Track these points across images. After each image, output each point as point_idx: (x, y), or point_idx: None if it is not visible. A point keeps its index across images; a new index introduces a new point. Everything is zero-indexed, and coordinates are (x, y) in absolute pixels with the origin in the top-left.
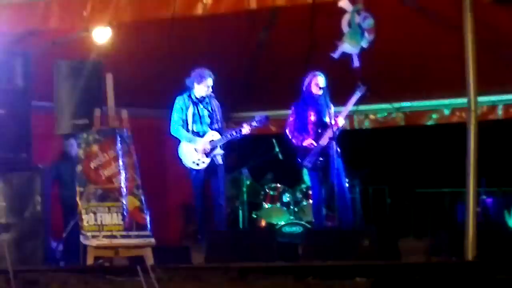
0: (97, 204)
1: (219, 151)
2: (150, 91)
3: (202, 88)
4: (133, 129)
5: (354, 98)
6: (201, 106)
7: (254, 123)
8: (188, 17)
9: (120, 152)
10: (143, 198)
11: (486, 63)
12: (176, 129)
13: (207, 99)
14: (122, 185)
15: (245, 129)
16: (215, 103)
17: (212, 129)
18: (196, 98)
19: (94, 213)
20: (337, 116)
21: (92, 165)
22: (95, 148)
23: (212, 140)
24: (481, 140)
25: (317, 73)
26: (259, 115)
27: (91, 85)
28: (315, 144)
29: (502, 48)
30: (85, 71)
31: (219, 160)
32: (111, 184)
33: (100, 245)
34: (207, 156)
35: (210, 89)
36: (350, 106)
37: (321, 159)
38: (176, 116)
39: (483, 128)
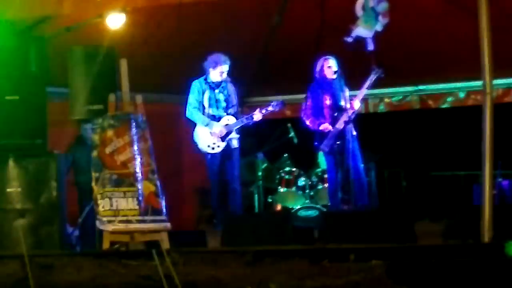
0: (113, 189)
1: (234, 135)
2: (164, 76)
3: (217, 73)
4: (148, 114)
5: (369, 81)
6: (217, 90)
7: (270, 108)
8: (201, 1)
9: (135, 137)
10: (158, 183)
11: (501, 46)
12: (192, 112)
13: (223, 84)
14: (137, 170)
15: (257, 116)
16: (231, 87)
17: (227, 114)
18: (213, 83)
19: (110, 198)
20: (352, 100)
21: (107, 150)
22: (110, 133)
23: (228, 124)
24: (496, 122)
25: (328, 56)
26: (275, 100)
27: (105, 71)
28: (332, 128)
29: None
30: (99, 56)
31: (235, 144)
32: (126, 169)
33: (115, 230)
34: (222, 140)
35: (225, 75)
36: (365, 89)
37: (337, 142)
38: (192, 99)
39: (499, 111)
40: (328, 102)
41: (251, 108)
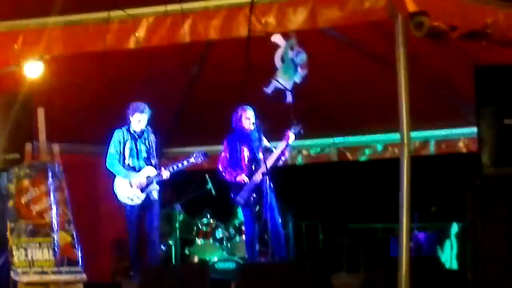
0: (28, 239)
1: (154, 187)
2: (83, 126)
3: (135, 121)
4: (65, 164)
5: (288, 137)
6: (139, 140)
7: (192, 159)
8: (121, 50)
9: (51, 187)
10: (74, 233)
11: (418, 99)
12: (112, 163)
13: (145, 134)
14: (53, 220)
15: (165, 174)
16: (152, 138)
17: (148, 164)
18: (135, 132)
19: (25, 249)
20: (270, 152)
21: (23, 200)
22: (26, 183)
23: (149, 176)
24: (413, 175)
25: (246, 107)
26: (197, 151)
27: (22, 119)
28: (248, 180)
29: (434, 85)
30: (16, 105)
31: (155, 195)
32: (42, 220)
33: (30, 281)
34: (142, 192)
35: (143, 123)
36: (283, 144)
37: (254, 195)
38: (113, 149)
39: (416, 164)
40: (245, 153)
41: (170, 160)
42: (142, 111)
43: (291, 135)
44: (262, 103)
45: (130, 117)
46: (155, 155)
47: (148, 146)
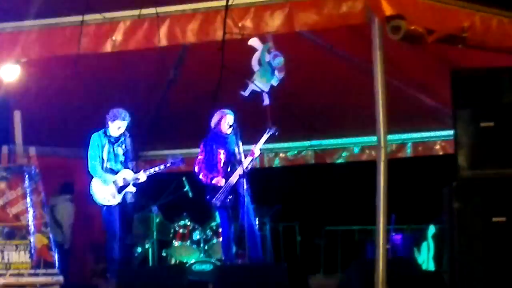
0: (4, 241)
1: (131, 189)
2: (59, 129)
3: (115, 128)
4: (41, 168)
5: (263, 139)
6: (116, 144)
7: (168, 164)
8: (98, 53)
9: (28, 190)
10: (51, 236)
11: (395, 102)
12: (94, 167)
13: (122, 138)
14: (30, 223)
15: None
16: (129, 141)
17: (126, 167)
18: (112, 136)
19: (1, 251)
20: (246, 155)
21: (0, 202)
22: (2, 185)
23: (125, 178)
24: (390, 177)
25: (227, 111)
26: (174, 156)
27: None
28: (224, 183)
29: (410, 88)
30: None
31: (130, 198)
32: (19, 222)
33: (7, 283)
34: (118, 193)
35: (122, 130)
36: (260, 146)
37: (230, 197)
38: (92, 153)
39: (392, 166)
40: (221, 156)
41: (146, 163)
42: (123, 119)
43: (256, 151)
44: (238, 105)
45: (109, 122)
46: (132, 158)
47: (125, 149)
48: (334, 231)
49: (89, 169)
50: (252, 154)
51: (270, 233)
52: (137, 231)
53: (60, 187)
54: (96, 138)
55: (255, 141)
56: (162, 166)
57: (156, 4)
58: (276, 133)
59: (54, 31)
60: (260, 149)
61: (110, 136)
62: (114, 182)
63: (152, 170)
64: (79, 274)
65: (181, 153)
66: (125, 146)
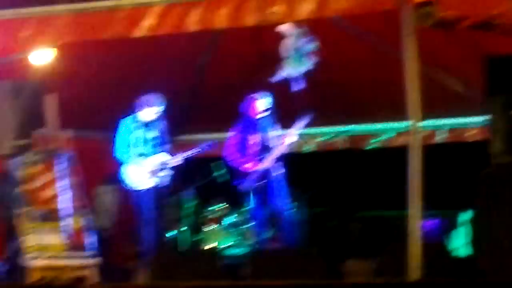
0: (39, 224)
1: (165, 173)
2: (94, 113)
3: (149, 113)
4: (76, 150)
5: (298, 125)
6: (148, 129)
7: (202, 149)
8: (130, 38)
9: (61, 173)
10: (87, 218)
11: (427, 88)
12: (121, 151)
13: (155, 122)
14: (65, 205)
15: (176, 160)
16: (161, 125)
17: (158, 152)
18: (143, 121)
19: (37, 234)
20: (281, 139)
21: (34, 186)
22: (37, 169)
23: (159, 162)
24: (423, 163)
25: (258, 95)
26: (207, 140)
27: (32, 106)
28: (257, 167)
29: (443, 74)
30: (26, 92)
31: (164, 182)
32: (52, 205)
33: (43, 265)
34: (152, 177)
35: (156, 115)
36: (294, 131)
37: (263, 181)
38: (122, 138)
39: (425, 152)
40: (255, 140)
41: (180, 147)
42: (156, 104)
43: (290, 136)
44: (272, 91)
45: (143, 107)
46: (165, 142)
47: (159, 134)
48: (368, 216)
49: (116, 154)
50: (287, 139)
51: (302, 218)
52: (170, 215)
53: (105, 177)
54: (126, 123)
55: (289, 126)
56: (195, 150)
57: None
58: (311, 118)
59: (88, 15)
60: (294, 134)
61: (141, 121)
62: (148, 166)
63: (185, 154)
64: (117, 258)
65: (215, 138)
66: (159, 131)
